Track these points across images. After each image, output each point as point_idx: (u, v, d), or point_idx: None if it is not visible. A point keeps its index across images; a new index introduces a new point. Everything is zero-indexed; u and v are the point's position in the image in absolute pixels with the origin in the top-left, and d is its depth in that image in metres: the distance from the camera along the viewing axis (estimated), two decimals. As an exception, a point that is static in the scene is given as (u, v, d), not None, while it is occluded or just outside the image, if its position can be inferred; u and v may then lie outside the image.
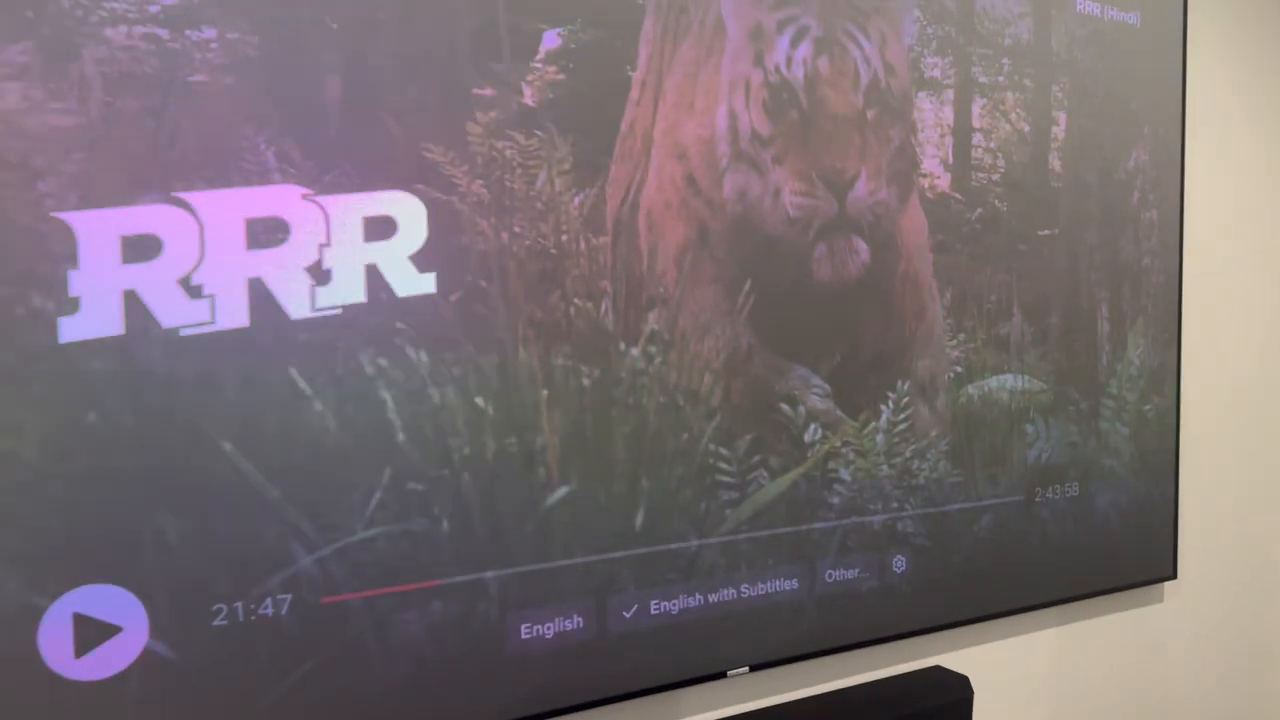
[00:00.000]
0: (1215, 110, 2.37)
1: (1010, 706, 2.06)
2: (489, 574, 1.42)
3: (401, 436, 1.33)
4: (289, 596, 1.27)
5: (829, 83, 1.72)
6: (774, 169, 1.67)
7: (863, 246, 1.79)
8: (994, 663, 2.04)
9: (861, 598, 1.82)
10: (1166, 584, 2.32)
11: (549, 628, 1.47)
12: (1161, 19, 2.22)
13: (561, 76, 1.45)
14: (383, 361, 1.31)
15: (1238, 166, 2.43)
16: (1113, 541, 2.19)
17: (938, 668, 1.93)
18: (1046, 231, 2.06)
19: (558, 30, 1.44)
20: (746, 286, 1.66)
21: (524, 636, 1.45)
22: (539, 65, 1.43)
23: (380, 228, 1.32)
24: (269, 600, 1.26)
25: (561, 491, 1.47)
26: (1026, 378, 2.05)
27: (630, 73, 1.52)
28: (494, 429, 1.40)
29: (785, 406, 1.72)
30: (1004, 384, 2.02)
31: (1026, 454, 2.04)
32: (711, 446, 1.63)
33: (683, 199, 1.58)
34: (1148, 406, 2.24)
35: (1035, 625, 2.11)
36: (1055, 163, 2.06)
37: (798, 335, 1.73)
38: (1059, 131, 2.07)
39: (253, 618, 1.25)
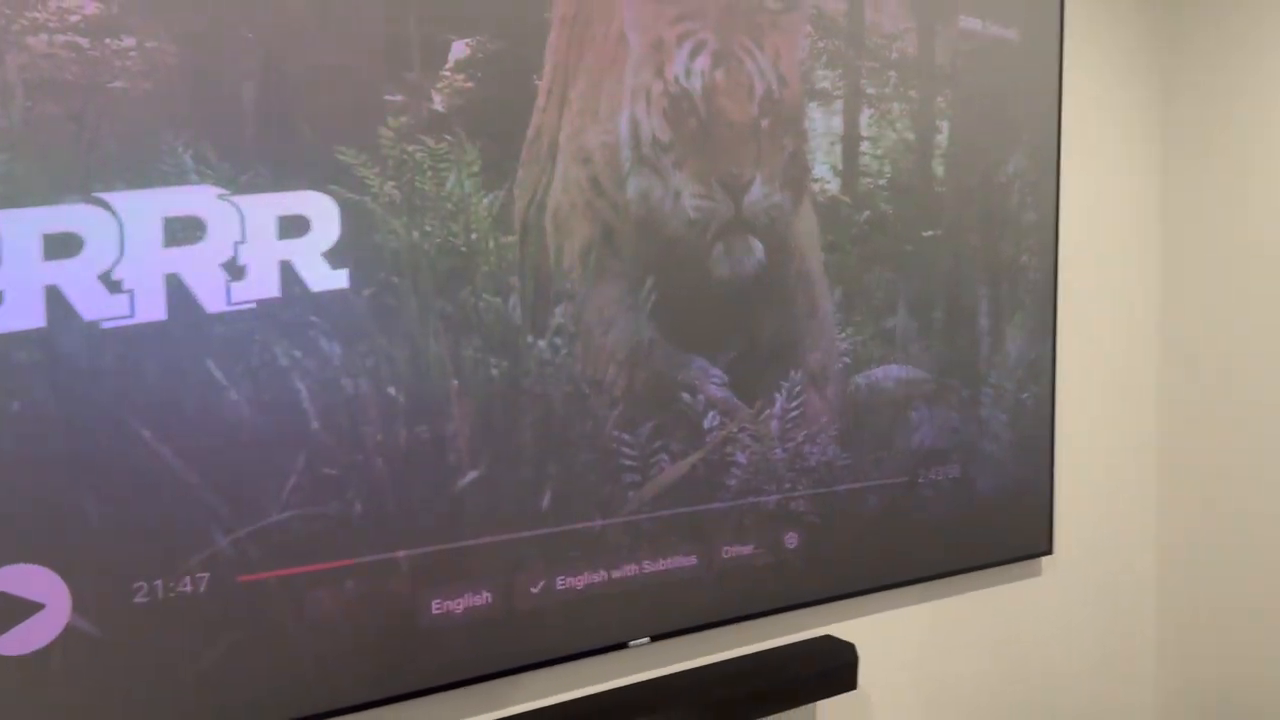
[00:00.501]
0: (1089, 119, 2.56)
1: (896, 672, 2.22)
2: (401, 553, 1.50)
3: (315, 424, 1.41)
4: (207, 575, 1.35)
5: (726, 93, 1.84)
6: (674, 173, 1.78)
7: (758, 246, 1.92)
8: (881, 632, 2.19)
9: (757, 572, 1.95)
10: (1043, 559, 2.51)
11: (459, 603, 1.57)
12: (1039, 35, 2.40)
13: (470, 84, 1.54)
14: (297, 353, 1.39)
15: (1109, 171, 2.63)
16: (992, 519, 2.37)
17: (827, 637, 2.08)
18: (930, 233, 2.21)
19: (466, 41, 1.53)
20: (649, 283, 1.78)
21: (435, 612, 1.54)
22: (448, 73, 1.52)
23: (294, 226, 1.40)
24: (188, 579, 1.33)
25: (471, 476, 1.56)
26: (911, 368, 2.20)
27: (537, 81, 1.62)
28: (406, 417, 1.49)
29: (685, 395, 1.84)
30: (890, 374, 2.18)
31: (911, 439, 2.20)
32: (615, 433, 1.74)
33: (588, 201, 1.69)
34: (1025, 395, 2.42)
35: (921, 597, 2.28)
36: (939, 169, 2.22)
37: (697, 329, 1.85)
38: (942, 139, 2.22)
39: (172, 595, 1.32)
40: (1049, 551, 2.48)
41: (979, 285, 2.32)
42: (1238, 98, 2.60)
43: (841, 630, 2.11)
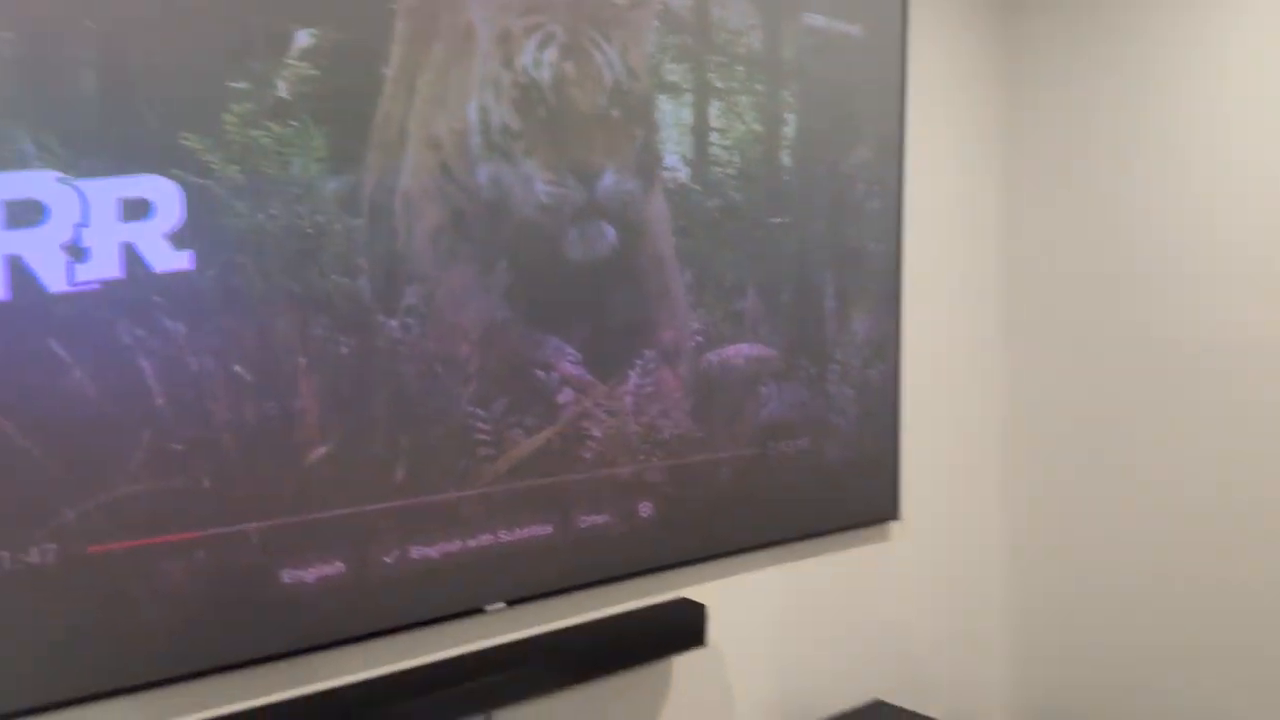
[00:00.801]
0: (931, 111, 2.73)
1: (749, 630, 2.36)
2: (251, 525, 1.56)
3: (160, 401, 1.45)
4: (55, 546, 1.38)
5: (575, 84, 1.93)
6: (525, 160, 1.87)
7: (610, 231, 2.02)
8: (734, 593, 2.33)
9: (612, 540, 2.06)
10: (891, 523, 2.69)
11: (311, 573, 1.63)
12: (882, 31, 2.55)
13: (315, 72, 1.59)
14: (140, 332, 1.43)
15: (951, 160, 2.82)
16: (840, 487, 2.53)
17: (681, 599, 2.20)
18: (778, 219, 2.35)
19: (309, 31, 1.58)
20: (502, 265, 1.86)
21: (286, 581, 1.60)
22: (293, 62, 1.57)
23: (137, 209, 1.43)
24: (35, 550, 1.36)
25: (321, 451, 1.63)
26: (761, 347, 2.34)
27: (384, 70, 1.68)
28: (253, 394, 1.54)
29: (540, 373, 1.93)
30: (741, 352, 2.31)
31: (761, 413, 2.34)
32: (469, 408, 1.82)
33: (438, 185, 1.76)
34: (871, 371, 2.59)
35: (773, 560, 2.42)
36: (786, 158, 2.36)
37: (551, 309, 1.94)
38: (789, 131, 2.36)
39: (20, 565, 1.35)
40: (896, 517, 2.66)
41: (826, 269, 2.46)
42: (1077, 91, 2.82)
43: (696, 593, 2.24)
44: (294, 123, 1.57)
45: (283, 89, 1.56)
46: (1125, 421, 2.72)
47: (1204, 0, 2.53)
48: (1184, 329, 2.59)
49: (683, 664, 2.22)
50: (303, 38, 1.57)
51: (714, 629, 2.24)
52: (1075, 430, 2.83)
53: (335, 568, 1.66)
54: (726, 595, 2.31)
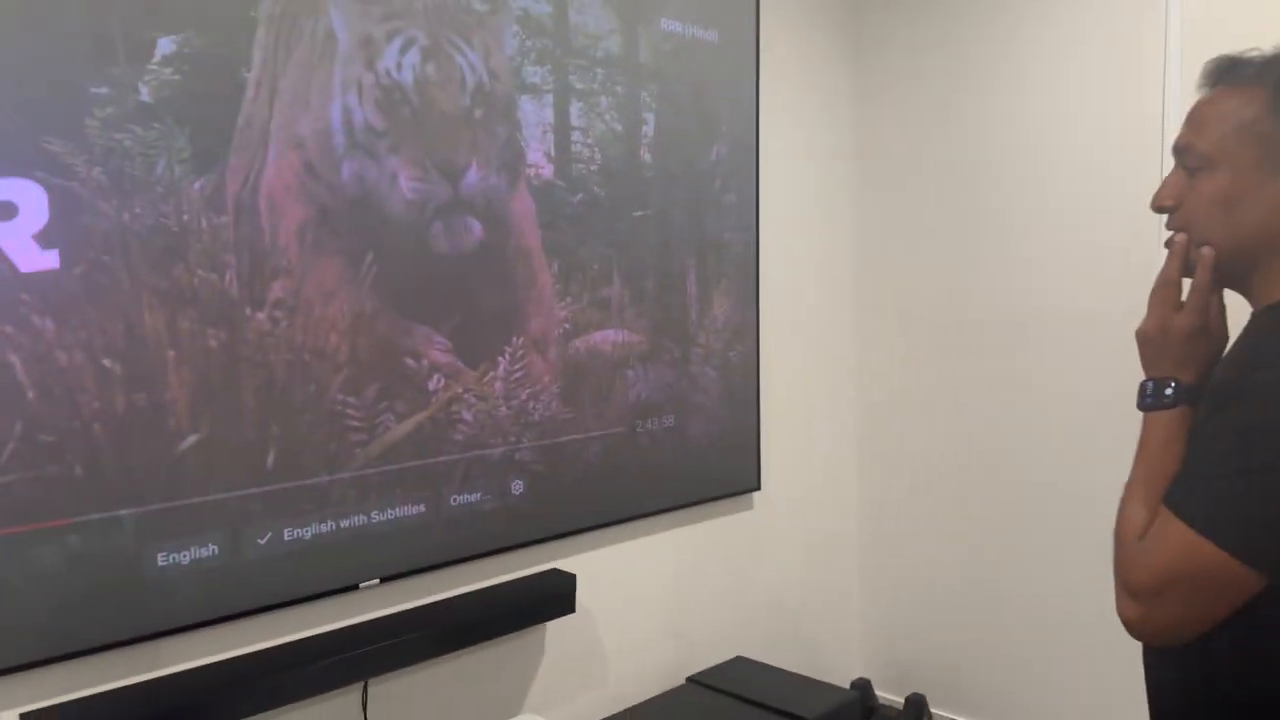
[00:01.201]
0: (784, 110, 2.92)
1: (620, 597, 2.52)
2: (125, 512, 1.63)
3: (31, 394, 1.51)
4: (-78, 539, 1.43)
5: (438, 85, 2.04)
6: (389, 158, 1.97)
7: (476, 225, 2.14)
8: (606, 563, 2.48)
9: (485, 517, 2.19)
10: (754, 494, 2.88)
11: (185, 555, 1.71)
12: (737, 37, 2.73)
13: (177, 77, 1.66)
14: (8, 329, 1.49)
15: (803, 156, 3.02)
16: (705, 462, 2.71)
17: (552, 570, 2.35)
18: (640, 212, 2.50)
19: (171, 38, 1.65)
20: (369, 258, 1.96)
21: (161, 564, 1.68)
22: (155, 68, 1.64)
23: (2, 211, 1.48)
24: (-99, 543, 1.41)
25: (192, 439, 1.70)
26: (627, 332, 2.49)
27: (246, 74, 1.75)
28: (123, 386, 1.61)
29: (410, 360, 2.03)
30: (607, 338, 2.45)
31: (628, 394, 2.49)
32: (340, 396, 1.92)
33: (302, 183, 1.84)
34: (732, 353, 2.77)
35: (643, 532, 2.58)
36: (646, 155, 2.51)
37: (420, 299, 2.04)
38: (649, 130, 2.51)
39: (-116, 559, 1.40)
40: (758, 488, 2.86)
41: (687, 258, 2.63)
42: (919, 88, 3.05)
43: (568, 564, 2.38)
44: (157, 126, 1.64)
45: (145, 94, 1.62)
46: (960, 393, 2.98)
47: (1033, 13, 2.78)
48: (1014, 308, 2.85)
49: (555, 631, 2.36)
50: (165, 45, 1.64)
51: (585, 597, 2.39)
52: (918, 402, 3.08)
53: (209, 550, 1.74)
54: (597, 565, 2.46)
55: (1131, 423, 2.66)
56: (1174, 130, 2.40)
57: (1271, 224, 1.01)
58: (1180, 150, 1.08)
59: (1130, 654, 2.74)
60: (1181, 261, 1.07)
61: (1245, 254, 1.03)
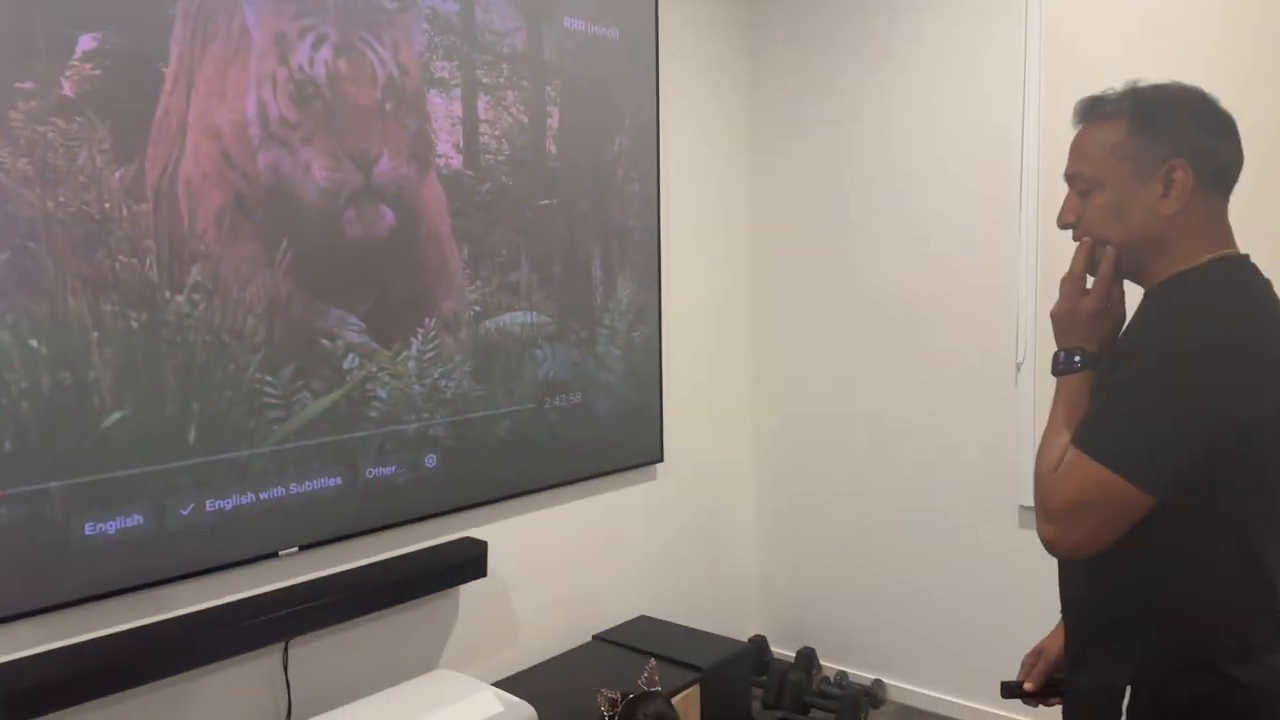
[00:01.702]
0: (684, 104, 3.10)
1: (532, 562, 2.68)
2: (53, 484, 1.72)
3: (-42, 373, 1.59)
4: None
5: (349, 79, 2.15)
6: (303, 148, 2.07)
7: (388, 212, 2.26)
8: (517, 531, 2.63)
9: (400, 488, 2.32)
10: (657, 465, 3.07)
11: (111, 525, 1.81)
12: (638, 34, 2.88)
13: (98, 73, 1.75)
14: (-65, 311, 1.57)
15: (702, 147, 3.20)
16: (612, 436, 2.88)
17: (465, 538, 2.49)
18: (547, 201, 2.65)
19: (92, 35, 1.73)
20: (284, 244, 2.06)
21: (88, 533, 1.77)
22: (76, 63, 1.72)
23: (-74, 198, 1.56)
24: None
25: (116, 415, 1.80)
26: (535, 314, 2.64)
27: (163, 69, 1.85)
28: (48, 365, 1.70)
29: (325, 341, 2.15)
30: (516, 319, 2.60)
31: (537, 372, 2.64)
32: (258, 375, 2.03)
33: (219, 171, 1.94)
34: (636, 334, 2.95)
35: (553, 501, 2.74)
36: (552, 147, 2.65)
37: (334, 283, 2.16)
38: (553, 123, 2.65)
39: None
40: (661, 460, 3.05)
41: (592, 245, 2.79)
42: (810, 81, 3.25)
43: (480, 532, 2.53)
44: (79, 118, 1.72)
45: (67, 88, 1.71)
46: (849, 369, 3.21)
47: (909, 23, 3.00)
48: (896, 291, 3.09)
49: (468, 594, 2.51)
50: (86, 41, 1.72)
51: (497, 563, 2.54)
52: (812, 379, 3.31)
53: (134, 520, 1.84)
54: (509, 533, 2.61)
55: (999, 390, 2.95)
56: (1031, 138, 2.64)
57: (1151, 224, 1.22)
58: (1071, 177, 1.28)
59: (990, 614, 3.03)
60: (1086, 259, 1.27)
61: (1136, 249, 1.24)
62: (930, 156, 2.98)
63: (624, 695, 1.81)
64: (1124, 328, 1.28)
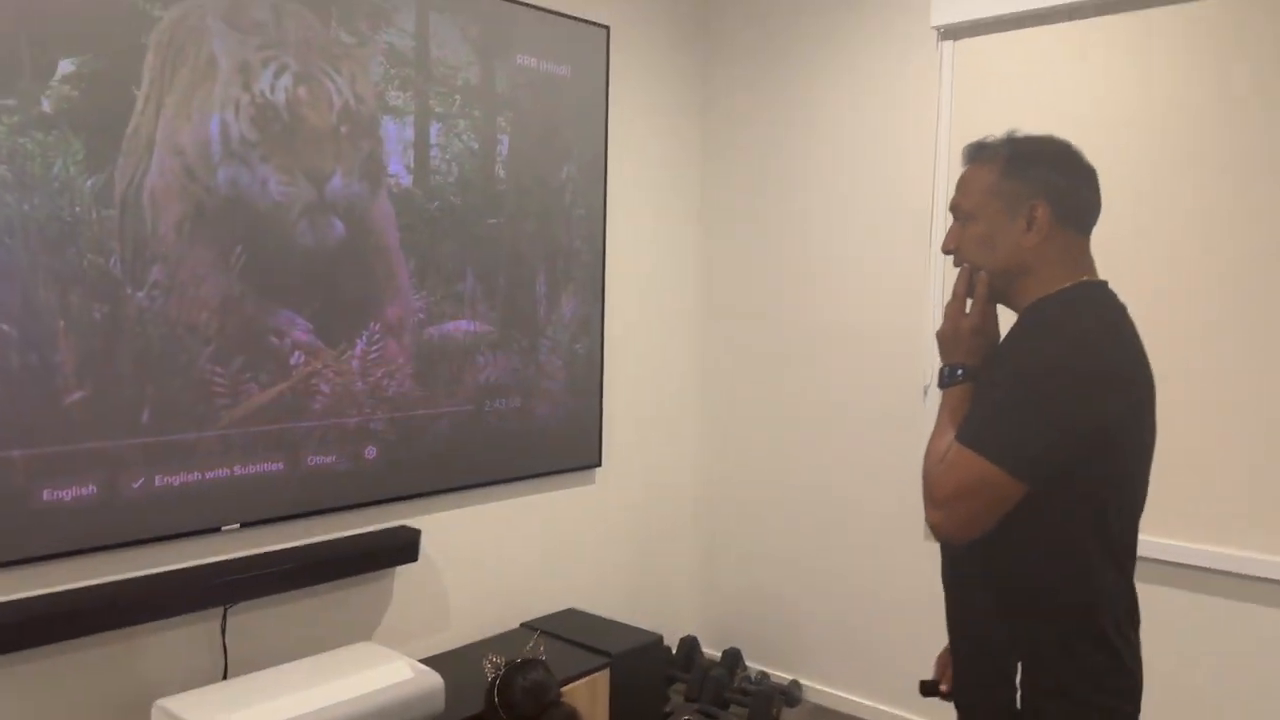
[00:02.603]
0: (630, 137, 3.34)
1: (466, 554, 2.89)
2: (16, 452, 1.95)
3: (-64, 350, 1.83)
4: None
5: (308, 105, 2.39)
6: (261, 165, 2.32)
7: (339, 224, 2.49)
8: (454, 523, 2.85)
9: (339, 476, 2.54)
10: (596, 469, 3.29)
11: (67, 493, 2.03)
12: (588, 71, 3.13)
13: (75, 93, 1.99)
14: (-81, 295, 1.80)
15: (646, 177, 3.44)
16: (551, 439, 3.10)
17: (401, 526, 2.71)
18: (494, 220, 2.89)
19: (71, 60, 1.98)
20: (238, 250, 2.30)
21: (45, 499, 2.00)
22: (56, 84, 1.96)
23: (-84, 197, 1.80)
24: None
25: (78, 395, 2.03)
26: (479, 323, 2.87)
27: (136, 91, 2.09)
28: (18, 347, 1.93)
29: (273, 338, 2.38)
30: (460, 327, 2.83)
31: (478, 377, 2.87)
32: (208, 365, 2.26)
33: (181, 184, 2.18)
34: (578, 345, 3.18)
35: (490, 498, 2.96)
36: (501, 172, 2.89)
37: (285, 286, 2.39)
38: (503, 150, 2.89)
39: None
40: (600, 464, 3.26)
41: (537, 262, 3.02)
42: (752, 124, 3.49)
43: (417, 522, 2.74)
44: (56, 132, 1.97)
45: (47, 105, 1.95)
46: (783, 387, 3.43)
47: (836, 74, 3.24)
48: (824, 320, 3.31)
49: (403, 577, 2.73)
50: (65, 65, 1.97)
51: (433, 552, 2.76)
52: (748, 396, 3.53)
53: (89, 490, 2.07)
54: (445, 524, 2.83)
55: (908, 410, 3.19)
56: (942, 189, 2.87)
57: (1015, 253, 1.39)
58: (954, 208, 1.47)
59: (898, 620, 3.25)
60: (966, 283, 1.45)
61: (1005, 275, 1.41)
62: (853, 198, 3.21)
63: (507, 661, 2.02)
64: (999, 344, 1.46)
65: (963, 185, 1.46)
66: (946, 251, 1.48)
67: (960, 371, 1.44)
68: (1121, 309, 1.38)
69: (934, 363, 2.98)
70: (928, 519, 1.36)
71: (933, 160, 2.99)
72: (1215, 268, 2.50)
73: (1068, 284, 1.38)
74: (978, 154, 1.46)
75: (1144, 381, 1.35)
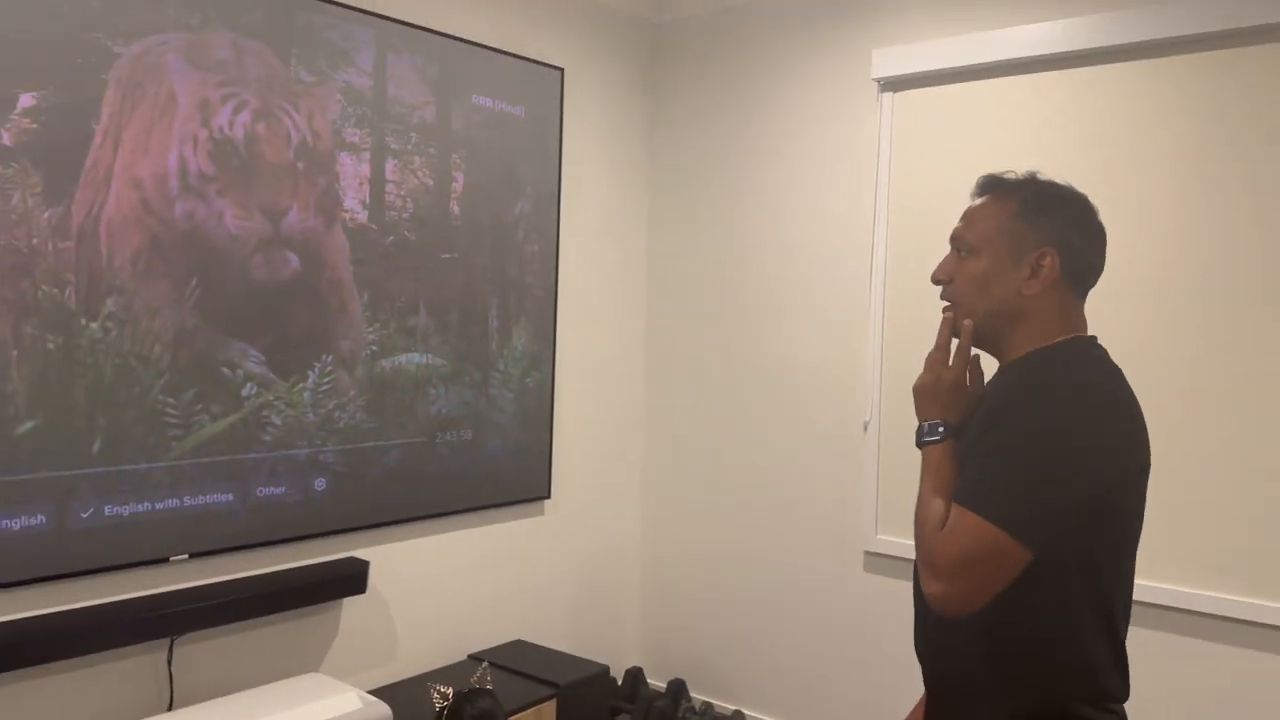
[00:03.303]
0: (583, 175, 3.43)
1: (415, 584, 2.91)
2: (-37, 482, 1.95)
3: (-114, 380, 1.83)
4: None
5: (266, 141, 2.44)
6: (218, 199, 2.35)
7: (294, 258, 2.53)
8: (403, 554, 2.87)
9: (288, 508, 2.56)
10: (545, 501, 3.33)
11: (15, 522, 2.03)
12: (542, 111, 3.22)
13: (35, 126, 2.02)
14: None
15: (598, 214, 3.53)
16: (501, 471, 3.14)
17: (349, 557, 2.73)
18: (448, 255, 2.94)
19: (32, 94, 2.01)
20: (194, 282, 2.33)
21: (-8, 528, 2.00)
22: (15, 117, 1.99)
23: None
24: None
25: (28, 425, 2.04)
26: (430, 356, 2.92)
27: (94, 125, 2.12)
28: (-32, 377, 1.94)
29: (226, 370, 2.41)
30: (412, 360, 2.87)
31: (430, 409, 2.91)
32: (161, 397, 2.27)
33: (138, 217, 2.21)
34: (529, 379, 3.23)
35: (440, 529, 2.99)
36: (455, 208, 2.96)
37: (238, 319, 2.42)
38: (458, 186, 2.96)
39: None
40: (548, 496, 3.31)
41: (490, 296, 3.08)
42: (701, 165, 3.60)
43: (367, 553, 2.76)
44: (15, 165, 1.99)
45: (6, 138, 1.98)
46: (730, 422, 3.52)
47: (782, 121, 3.37)
48: (769, 356, 3.41)
49: (350, 609, 2.74)
50: (26, 99, 2.00)
51: (381, 583, 2.78)
52: (696, 430, 3.61)
53: (38, 520, 2.07)
54: (394, 556, 2.85)
55: (849, 446, 3.26)
56: (883, 232, 2.99)
57: (1012, 299, 1.31)
58: (955, 239, 1.37)
59: (838, 651, 3.30)
60: (949, 331, 1.36)
61: (995, 320, 1.32)
62: (796, 241, 3.33)
63: (455, 692, 2.05)
64: (983, 398, 1.37)
65: (970, 218, 1.38)
66: (937, 282, 1.39)
67: (941, 428, 1.34)
68: (1116, 367, 1.32)
69: (873, 399, 3.10)
70: (928, 589, 1.24)
71: (873, 203, 3.12)
72: (1176, 315, 2.65)
73: (1060, 338, 1.32)
74: (993, 188, 1.38)
75: (1144, 444, 1.30)
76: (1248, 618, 2.47)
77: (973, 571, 1.20)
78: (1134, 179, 2.64)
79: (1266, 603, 2.45)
